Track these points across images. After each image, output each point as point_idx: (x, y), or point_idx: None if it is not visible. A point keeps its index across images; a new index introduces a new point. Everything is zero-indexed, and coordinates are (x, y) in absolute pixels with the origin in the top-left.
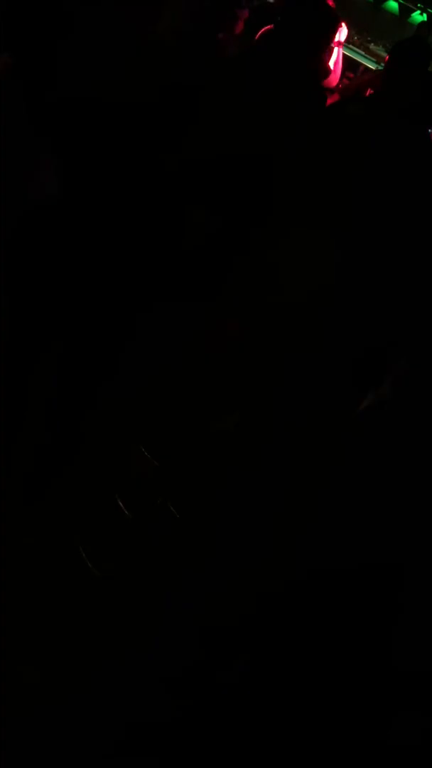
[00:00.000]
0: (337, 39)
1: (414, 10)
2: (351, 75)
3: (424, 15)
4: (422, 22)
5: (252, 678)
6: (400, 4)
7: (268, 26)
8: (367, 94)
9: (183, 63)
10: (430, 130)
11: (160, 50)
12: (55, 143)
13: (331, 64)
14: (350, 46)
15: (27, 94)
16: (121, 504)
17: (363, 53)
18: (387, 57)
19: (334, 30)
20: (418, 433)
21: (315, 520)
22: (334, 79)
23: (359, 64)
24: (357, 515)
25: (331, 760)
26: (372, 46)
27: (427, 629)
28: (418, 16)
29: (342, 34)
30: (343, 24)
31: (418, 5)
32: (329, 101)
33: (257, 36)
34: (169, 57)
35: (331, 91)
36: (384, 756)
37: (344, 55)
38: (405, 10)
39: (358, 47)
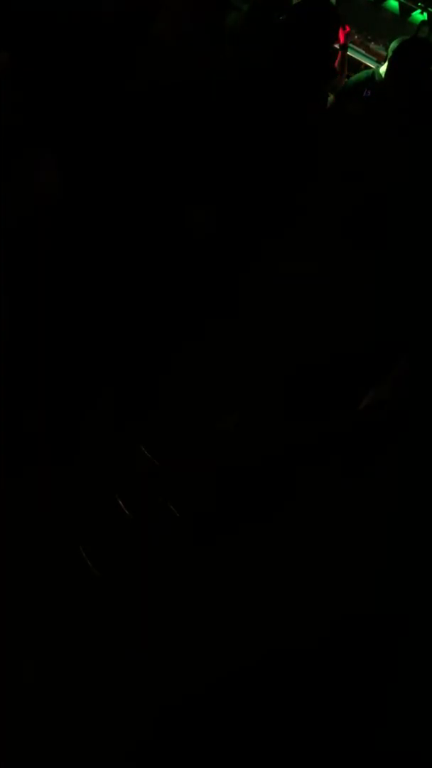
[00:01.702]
0: (341, 42)
1: (414, 9)
2: (351, 74)
3: (425, 14)
4: (423, 21)
5: (255, 678)
6: (400, 3)
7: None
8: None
9: (183, 63)
10: None
11: (160, 50)
12: (55, 143)
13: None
14: (350, 45)
15: (26, 93)
16: (121, 503)
17: (363, 52)
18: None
19: (337, 29)
20: (418, 433)
21: (315, 521)
22: (340, 81)
23: (360, 63)
24: (357, 516)
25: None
26: (372, 45)
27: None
28: (418, 15)
29: (346, 37)
30: (348, 28)
31: (419, 4)
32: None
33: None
34: (169, 57)
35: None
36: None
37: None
38: (405, 9)
39: (358, 46)
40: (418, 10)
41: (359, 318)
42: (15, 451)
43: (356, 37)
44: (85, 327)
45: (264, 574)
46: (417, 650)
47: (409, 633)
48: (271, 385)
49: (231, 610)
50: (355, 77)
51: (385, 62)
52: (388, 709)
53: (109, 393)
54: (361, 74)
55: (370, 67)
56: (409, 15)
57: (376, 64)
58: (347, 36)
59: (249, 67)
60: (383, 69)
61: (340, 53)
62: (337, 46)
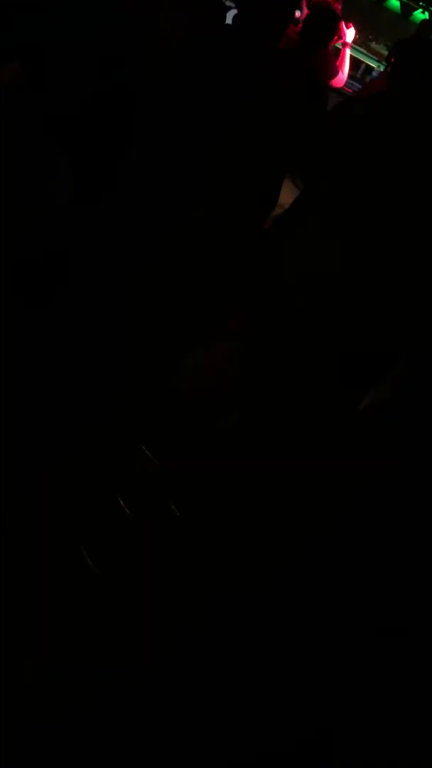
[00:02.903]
0: (343, 40)
1: (416, 9)
2: (352, 73)
3: (426, 13)
4: (423, 21)
5: (255, 678)
6: (401, 3)
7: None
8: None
9: (184, 61)
10: None
11: (163, 48)
12: (64, 147)
13: (337, 65)
14: (352, 44)
15: (36, 101)
16: (122, 503)
17: (365, 51)
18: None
19: (331, 29)
20: (418, 433)
21: (314, 520)
22: (341, 80)
23: (361, 62)
24: (357, 514)
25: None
26: (374, 44)
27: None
28: (419, 15)
29: (349, 35)
30: (351, 26)
31: (420, 3)
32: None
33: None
34: (170, 55)
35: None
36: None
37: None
38: (407, 9)
39: (359, 46)
40: (420, 10)
41: (359, 318)
42: (15, 451)
43: (357, 36)
44: (86, 325)
45: (264, 574)
46: (417, 650)
47: (409, 633)
48: (272, 385)
49: (231, 609)
50: None
51: (385, 62)
52: (388, 710)
53: (110, 392)
54: None
55: (372, 66)
56: (411, 14)
57: (378, 64)
58: (350, 35)
59: (250, 67)
60: None
61: (343, 50)
62: (339, 44)
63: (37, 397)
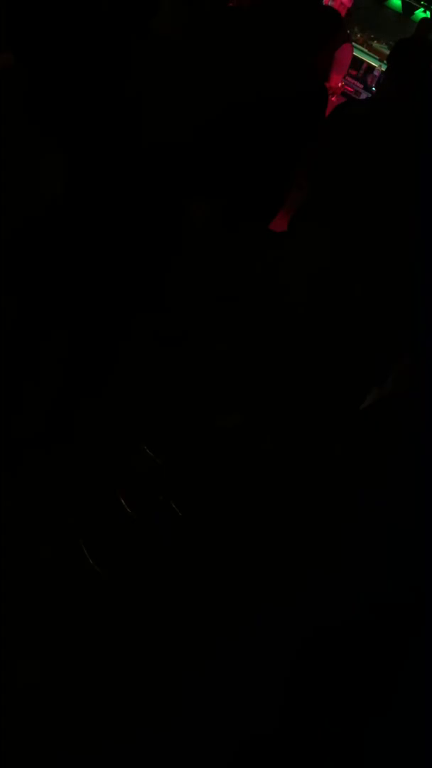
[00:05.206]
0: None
1: (417, 8)
2: (354, 72)
3: (428, 12)
4: (424, 19)
5: (255, 677)
6: (403, 2)
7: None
8: None
9: (185, 57)
10: None
11: (162, 45)
12: (60, 141)
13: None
14: (353, 43)
15: (30, 92)
16: (123, 502)
17: (366, 50)
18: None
19: (336, 30)
20: (419, 432)
21: (316, 519)
22: (337, 81)
23: (362, 61)
24: (358, 513)
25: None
26: (375, 43)
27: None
28: (421, 14)
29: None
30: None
31: (422, 2)
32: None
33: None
34: (170, 51)
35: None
36: None
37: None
38: (408, 8)
39: (360, 44)
40: (421, 8)
41: (361, 316)
42: (16, 450)
43: (359, 35)
44: (88, 320)
45: (265, 572)
46: (418, 650)
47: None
48: (272, 384)
49: (232, 608)
50: None
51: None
52: (389, 709)
53: (110, 390)
54: None
55: (373, 66)
56: (412, 13)
57: (379, 63)
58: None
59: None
60: None
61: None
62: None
63: (40, 395)
